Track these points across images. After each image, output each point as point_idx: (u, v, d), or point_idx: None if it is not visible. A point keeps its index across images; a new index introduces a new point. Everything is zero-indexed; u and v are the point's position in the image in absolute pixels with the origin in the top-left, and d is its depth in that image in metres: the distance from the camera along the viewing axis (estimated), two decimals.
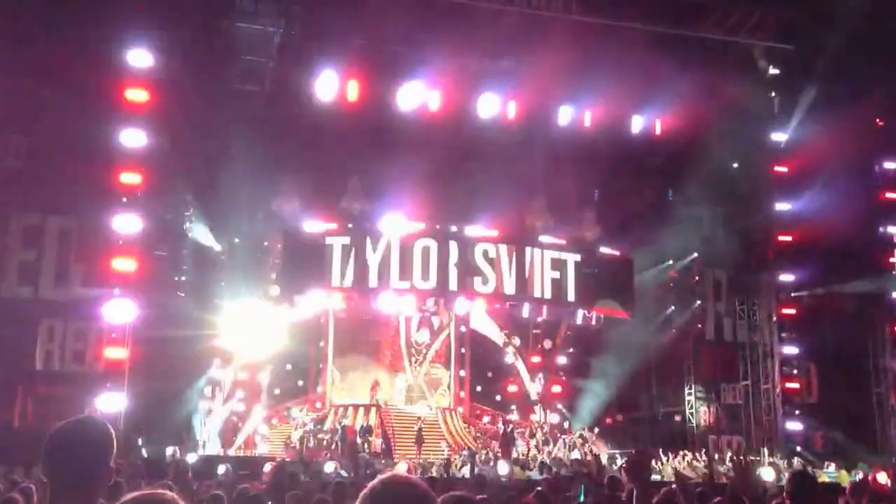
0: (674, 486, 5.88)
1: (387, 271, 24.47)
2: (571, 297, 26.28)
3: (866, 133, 23.02)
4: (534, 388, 30.26)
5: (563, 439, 26.50)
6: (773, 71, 23.75)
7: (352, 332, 27.97)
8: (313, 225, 24.86)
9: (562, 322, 29.23)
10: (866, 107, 22.14)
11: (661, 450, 25.11)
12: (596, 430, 27.92)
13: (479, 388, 30.35)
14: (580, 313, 27.30)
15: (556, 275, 25.94)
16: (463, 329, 29.40)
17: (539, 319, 28.83)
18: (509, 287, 25.61)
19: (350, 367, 28.22)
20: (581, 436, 26.67)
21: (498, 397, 30.60)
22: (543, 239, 26.49)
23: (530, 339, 30.76)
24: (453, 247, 25.14)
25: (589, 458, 24.17)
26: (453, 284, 25.12)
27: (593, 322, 27.62)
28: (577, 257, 26.26)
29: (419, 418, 25.08)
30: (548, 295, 26.04)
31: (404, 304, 26.10)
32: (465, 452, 23.54)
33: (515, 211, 26.51)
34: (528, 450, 25.30)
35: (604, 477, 13.97)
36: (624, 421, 29.64)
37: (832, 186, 22.65)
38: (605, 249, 27.27)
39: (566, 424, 28.88)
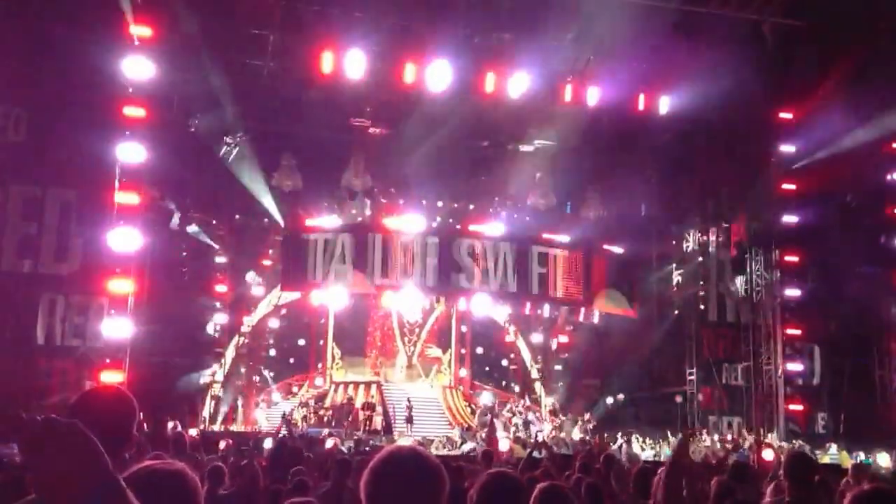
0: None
1: (384, 268, 24.42)
2: (560, 293, 26.26)
3: (875, 112, 22.72)
4: (534, 367, 30.26)
5: (562, 419, 26.51)
6: (782, 47, 23.39)
7: (349, 312, 27.91)
8: (314, 221, 24.78)
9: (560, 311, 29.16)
10: (875, 84, 21.87)
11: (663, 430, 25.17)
12: (594, 410, 27.95)
13: (478, 365, 30.40)
14: (581, 311, 27.20)
15: (544, 270, 25.89)
16: (463, 307, 29.31)
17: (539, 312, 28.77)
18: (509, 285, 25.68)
19: (350, 346, 28.23)
20: (581, 416, 26.68)
21: (498, 375, 30.64)
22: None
23: (531, 321, 30.70)
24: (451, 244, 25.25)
25: (588, 437, 24.21)
26: (451, 281, 25.16)
27: (595, 320, 27.53)
28: (565, 253, 26.16)
29: (408, 398, 24.89)
30: (536, 291, 26.02)
31: (403, 299, 26.11)
32: (457, 430, 23.51)
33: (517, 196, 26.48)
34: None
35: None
36: (624, 401, 29.61)
37: (840, 167, 22.41)
38: (608, 247, 27.06)
39: (557, 405, 28.87)
